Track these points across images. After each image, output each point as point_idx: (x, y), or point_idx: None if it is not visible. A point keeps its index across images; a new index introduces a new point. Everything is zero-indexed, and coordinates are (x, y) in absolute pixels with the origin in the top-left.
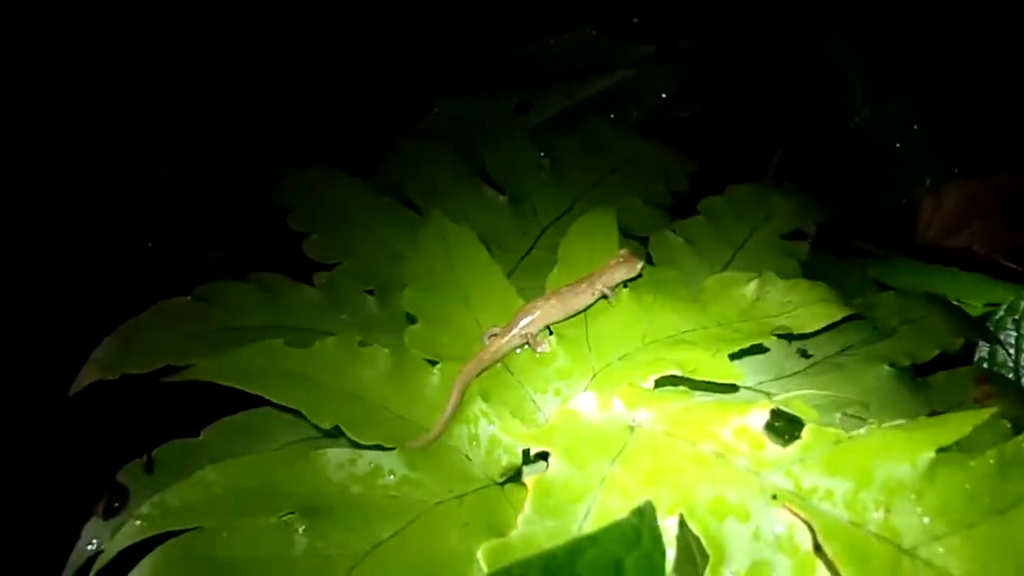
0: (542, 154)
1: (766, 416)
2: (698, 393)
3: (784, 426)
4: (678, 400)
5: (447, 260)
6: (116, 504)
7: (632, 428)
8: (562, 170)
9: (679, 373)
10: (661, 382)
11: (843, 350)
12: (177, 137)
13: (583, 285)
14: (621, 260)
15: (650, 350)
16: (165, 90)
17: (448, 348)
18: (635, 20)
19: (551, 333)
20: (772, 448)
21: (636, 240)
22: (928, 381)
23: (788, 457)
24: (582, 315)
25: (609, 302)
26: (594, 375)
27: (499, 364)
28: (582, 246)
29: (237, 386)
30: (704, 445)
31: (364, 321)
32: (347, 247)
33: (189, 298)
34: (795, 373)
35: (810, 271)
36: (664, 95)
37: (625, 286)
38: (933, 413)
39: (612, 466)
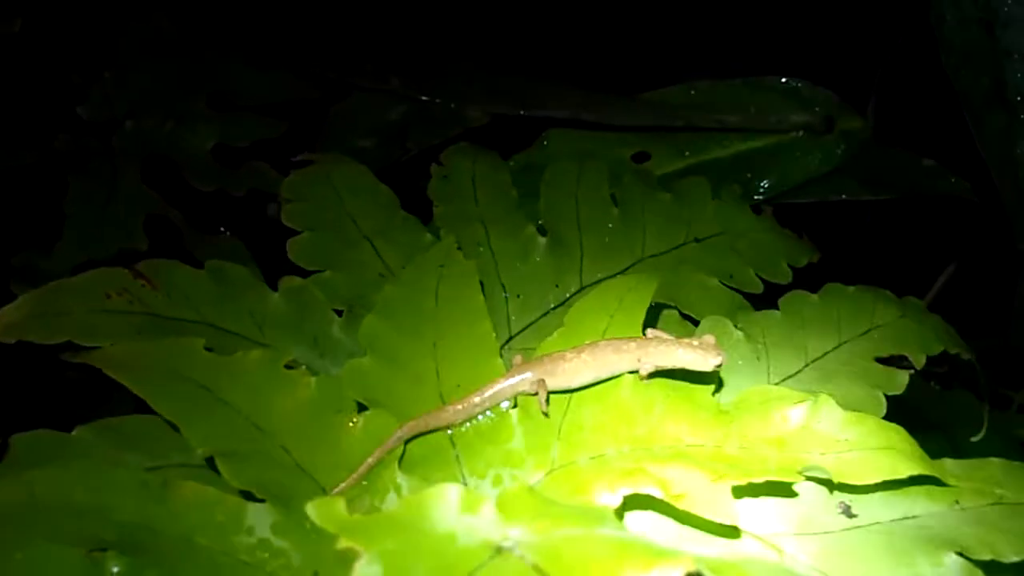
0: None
1: None
2: (674, 525)
3: None
4: (584, 525)
5: (431, 294)
6: None
7: (499, 550)
8: (633, 225)
9: (659, 494)
10: (633, 503)
11: (903, 518)
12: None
13: (631, 345)
14: (696, 345)
15: (634, 457)
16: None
17: (390, 396)
18: (796, 83)
19: (515, 406)
20: None
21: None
22: None
23: None
24: (564, 394)
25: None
26: (551, 470)
27: (446, 431)
28: (598, 314)
29: (125, 382)
30: None
31: (317, 343)
32: (335, 256)
33: (128, 271)
34: (826, 533)
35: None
36: (807, 175)
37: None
38: None
39: None
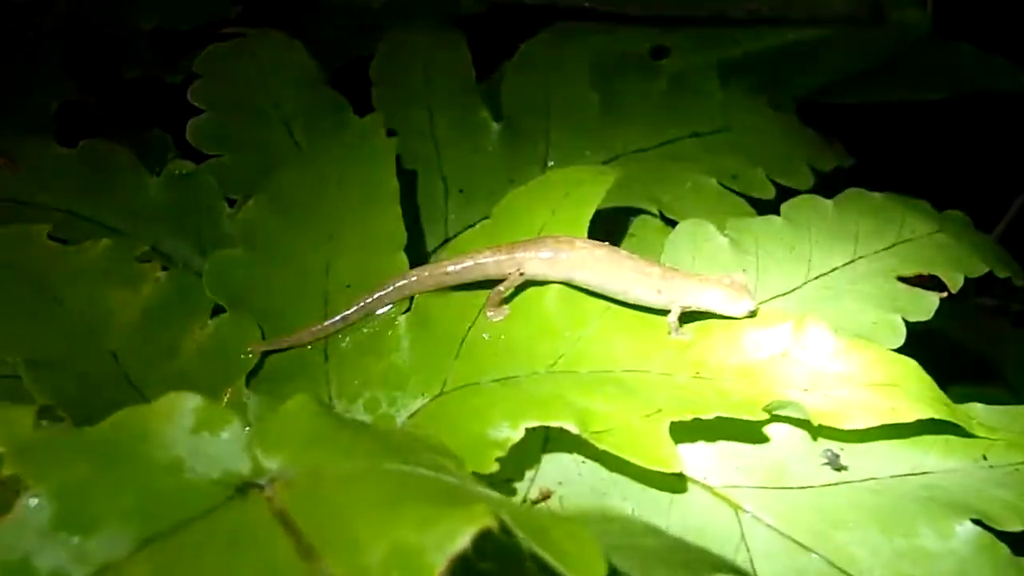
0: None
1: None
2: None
3: None
4: (373, 458)
5: (335, 178)
6: None
7: (244, 489)
8: (617, 115)
9: (575, 430)
10: (554, 443)
11: (907, 475)
12: None
13: (654, 270)
14: (728, 283)
15: (552, 382)
16: None
17: (262, 296)
18: None
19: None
20: None
21: None
22: None
23: None
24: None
25: (670, 335)
26: (441, 393)
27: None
28: (535, 208)
29: None
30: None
31: (200, 237)
32: (240, 138)
33: None
34: (803, 488)
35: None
36: (851, 72)
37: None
38: None
39: (136, 553)
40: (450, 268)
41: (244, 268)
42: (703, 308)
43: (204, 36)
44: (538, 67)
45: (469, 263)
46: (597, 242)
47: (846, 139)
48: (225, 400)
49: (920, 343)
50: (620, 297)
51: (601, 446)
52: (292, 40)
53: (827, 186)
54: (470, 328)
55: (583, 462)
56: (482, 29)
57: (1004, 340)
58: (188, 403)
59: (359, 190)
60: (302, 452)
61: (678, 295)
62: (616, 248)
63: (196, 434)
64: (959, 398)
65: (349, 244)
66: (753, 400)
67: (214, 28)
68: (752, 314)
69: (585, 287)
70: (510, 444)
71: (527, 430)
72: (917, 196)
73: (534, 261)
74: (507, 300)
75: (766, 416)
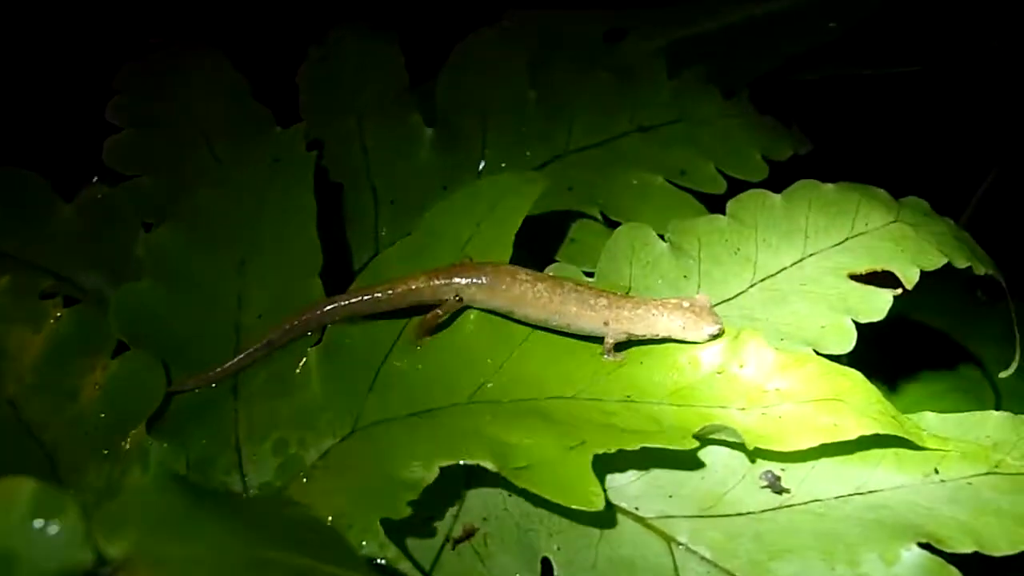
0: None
1: None
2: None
3: None
4: (216, 543)
5: (254, 198)
6: None
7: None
8: (558, 112)
9: (492, 468)
10: (479, 477)
11: (853, 495)
12: None
13: (600, 302)
14: (687, 307)
15: (474, 415)
16: None
17: (168, 330)
18: None
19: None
20: None
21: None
22: None
23: None
24: (388, 330)
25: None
26: (352, 432)
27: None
28: (459, 221)
29: None
30: None
31: (114, 266)
32: (159, 158)
33: None
34: (741, 515)
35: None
36: (809, 46)
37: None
38: None
39: None
40: (381, 294)
41: (151, 301)
42: (659, 336)
43: (127, 49)
44: (474, 67)
45: (402, 288)
46: (539, 274)
47: (805, 120)
48: (126, 447)
49: (889, 322)
50: (565, 330)
51: (520, 484)
52: (215, 51)
53: (783, 173)
54: (385, 358)
55: (509, 496)
56: (424, 28)
57: (975, 316)
58: (22, 488)
59: (275, 210)
60: (148, 536)
61: (628, 325)
62: (559, 279)
63: (31, 522)
64: (928, 382)
65: (263, 271)
66: (685, 425)
67: (137, 41)
68: (715, 337)
69: (525, 320)
70: (423, 485)
71: (446, 467)
72: (880, 178)
73: (472, 288)
74: (441, 327)
75: (697, 444)
